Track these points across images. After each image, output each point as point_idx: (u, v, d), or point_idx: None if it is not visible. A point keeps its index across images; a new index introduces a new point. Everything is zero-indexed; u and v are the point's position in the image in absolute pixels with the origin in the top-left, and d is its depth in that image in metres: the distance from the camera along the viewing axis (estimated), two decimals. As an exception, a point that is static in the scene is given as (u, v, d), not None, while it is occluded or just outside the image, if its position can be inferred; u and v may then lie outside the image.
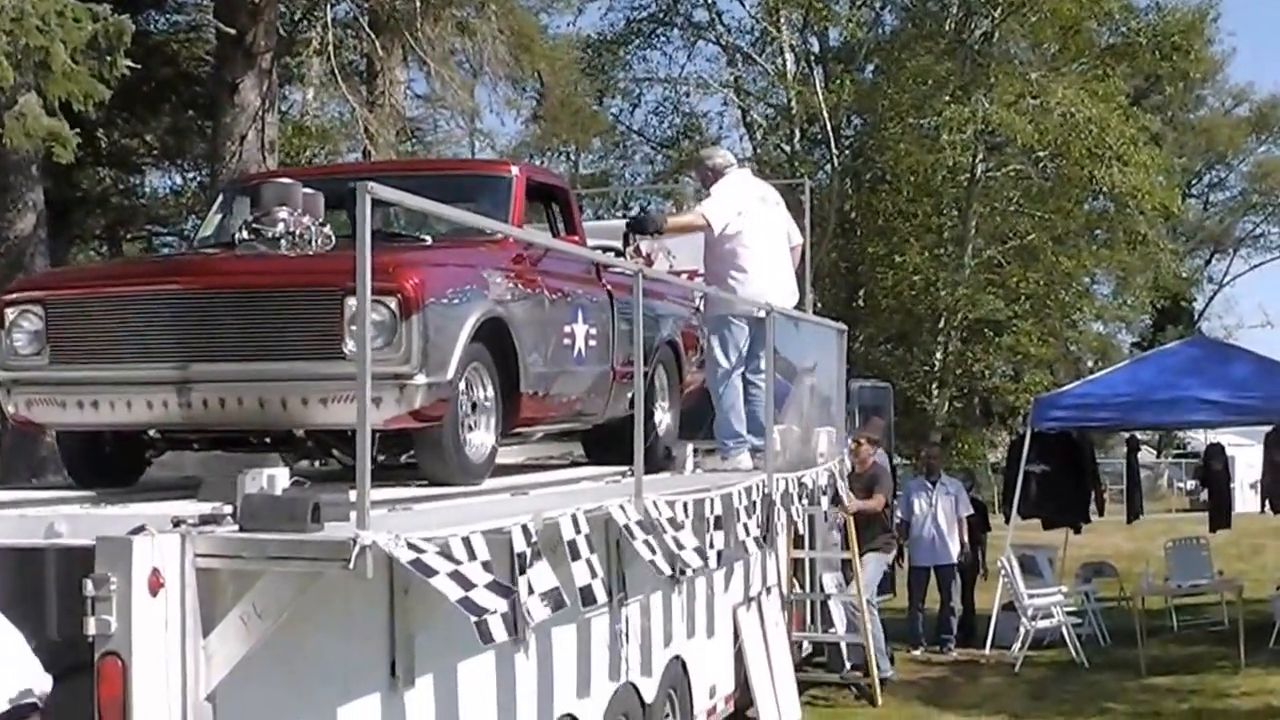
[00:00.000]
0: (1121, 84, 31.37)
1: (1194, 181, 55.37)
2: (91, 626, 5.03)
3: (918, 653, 16.76)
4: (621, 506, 7.63)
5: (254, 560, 5.28)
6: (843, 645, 14.51)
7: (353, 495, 5.41)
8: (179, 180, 25.90)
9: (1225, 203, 60.02)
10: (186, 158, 23.55)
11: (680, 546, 8.23)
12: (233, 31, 17.61)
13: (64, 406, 7.78)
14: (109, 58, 14.11)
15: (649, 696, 9.63)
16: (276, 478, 5.75)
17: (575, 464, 11.04)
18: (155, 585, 5.12)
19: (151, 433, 8.03)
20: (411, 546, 5.32)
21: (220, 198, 9.98)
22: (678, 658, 10.28)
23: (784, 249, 11.19)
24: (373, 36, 19.63)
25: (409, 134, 21.72)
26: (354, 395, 6.97)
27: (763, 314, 10.58)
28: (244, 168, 17.75)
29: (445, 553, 5.47)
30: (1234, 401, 16.02)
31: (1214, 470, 19.76)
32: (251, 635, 5.29)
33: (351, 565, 5.10)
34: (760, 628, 12.16)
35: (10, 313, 7.83)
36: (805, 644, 14.60)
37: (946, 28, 32.59)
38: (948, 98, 30.20)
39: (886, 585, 16.45)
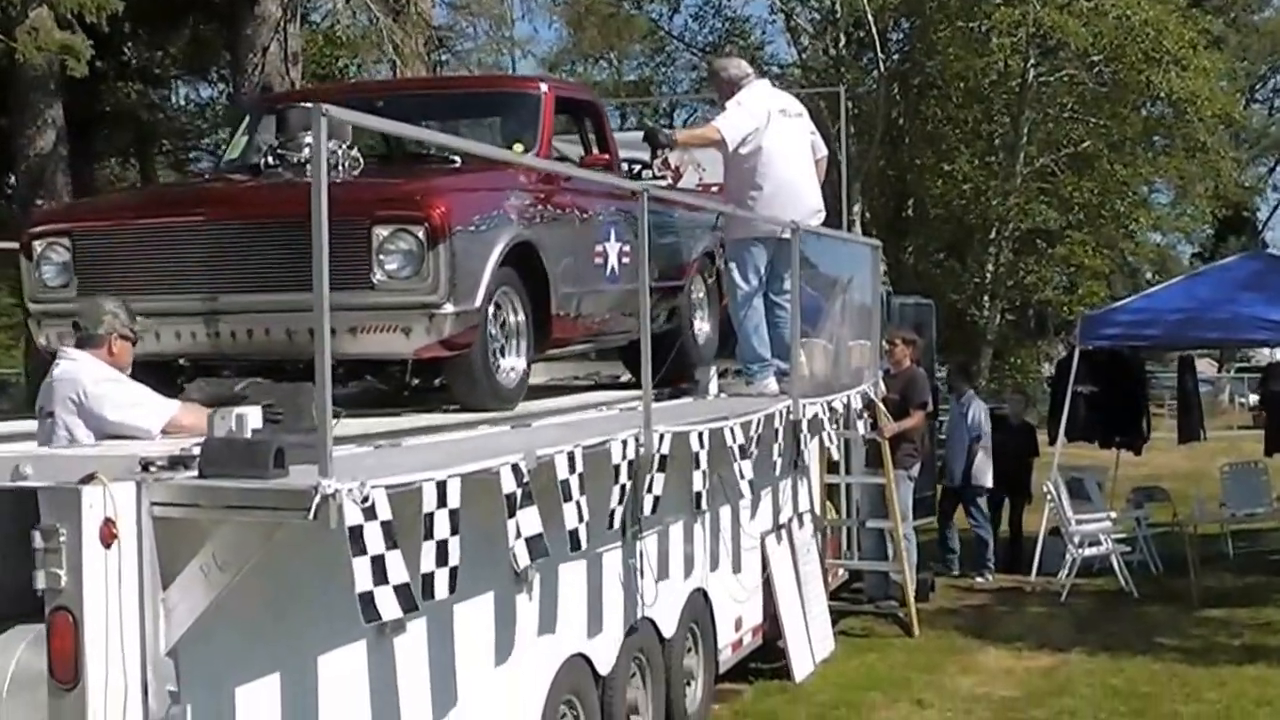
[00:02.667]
0: (1179, -16, 30.38)
1: (1258, 86, 53.91)
2: (40, 580, 4.73)
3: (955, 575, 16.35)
4: (624, 442, 7.22)
5: (212, 509, 4.91)
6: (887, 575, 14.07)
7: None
8: (203, 94, 25.60)
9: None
10: (210, 70, 23.22)
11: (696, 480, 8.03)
12: (251, -60, 17.21)
13: None
14: (121, -31, 13.86)
15: (668, 631, 9.32)
16: (247, 418, 5.35)
17: (598, 386, 10.74)
18: (108, 536, 4.78)
19: (182, 361, 8.01)
20: (365, 509, 4.87)
21: (246, 118, 9.91)
22: (700, 590, 9.97)
23: (807, 163, 10.70)
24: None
25: (437, 44, 21.14)
26: (384, 326, 7.26)
27: (786, 234, 10.14)
28: (266, 80, 17.42)
29: (388, 530, 4.98)
30: (1299, 320, 15.38)
31: (1273, 391, 19.08)
32: (213, 587, 4.93)
33: (313, 515, 4.70)
34: (791, 557, 11.79)
35: (38, 245, 7.94)
36: (841, 572, 14.23)
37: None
38: (998, 0, 29.34)
39: (929, 505, 16.04)
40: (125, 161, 24.95)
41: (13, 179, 19.92)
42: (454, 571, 5.43)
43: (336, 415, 5.08)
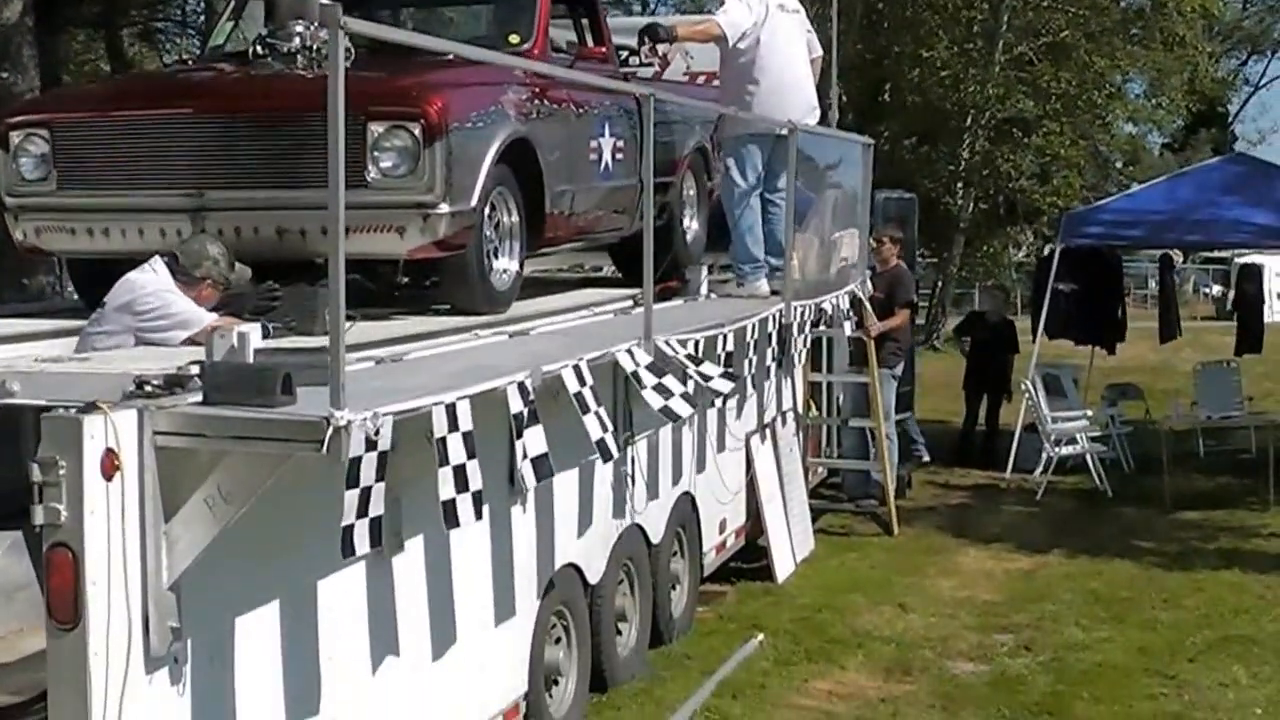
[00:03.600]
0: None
1: (1234, -21, 53.65)
2: (39, 515, 4.51)
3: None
4: (629, 352, 7.08)
5: (218, 439, 4.71)
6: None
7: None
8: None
9: (1265, 1, 58.28)
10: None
11: (704, 377, 7.91)
12: None
13: (73, 234, 7.66)
14: None
15: (655, 537, 9.27)
16: (249, 337, 5.14)
17: (588, 281, 10.61)
18: (110, 468, 4.57)
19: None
20: (369, 443, 4.71)
21: (233, 2, 9.50)
22: (687, 494, 9.89)
23: (803, 60, 10.60)
24: None
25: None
26: (378, 226, 7.05)
27: (783, 131, 9.97)
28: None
29: (382, 461, 4.83)
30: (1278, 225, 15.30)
31: (1246, 293, 19.06)
32: (218, 520, 4.75)
33: (325, 449, 4.53)
34: (774, 456, 11.70)
35: (15, 136, 7.63)
36: (820, 469, 14.19)
37: None
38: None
39: (908, 400, 15.98)
40: (93, 34, 24.38)
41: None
42: (478, 496, 5.31)
43: (350, 319, 4.87)
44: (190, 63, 9.88)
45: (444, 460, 5.19)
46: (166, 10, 25.07)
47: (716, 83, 11.12)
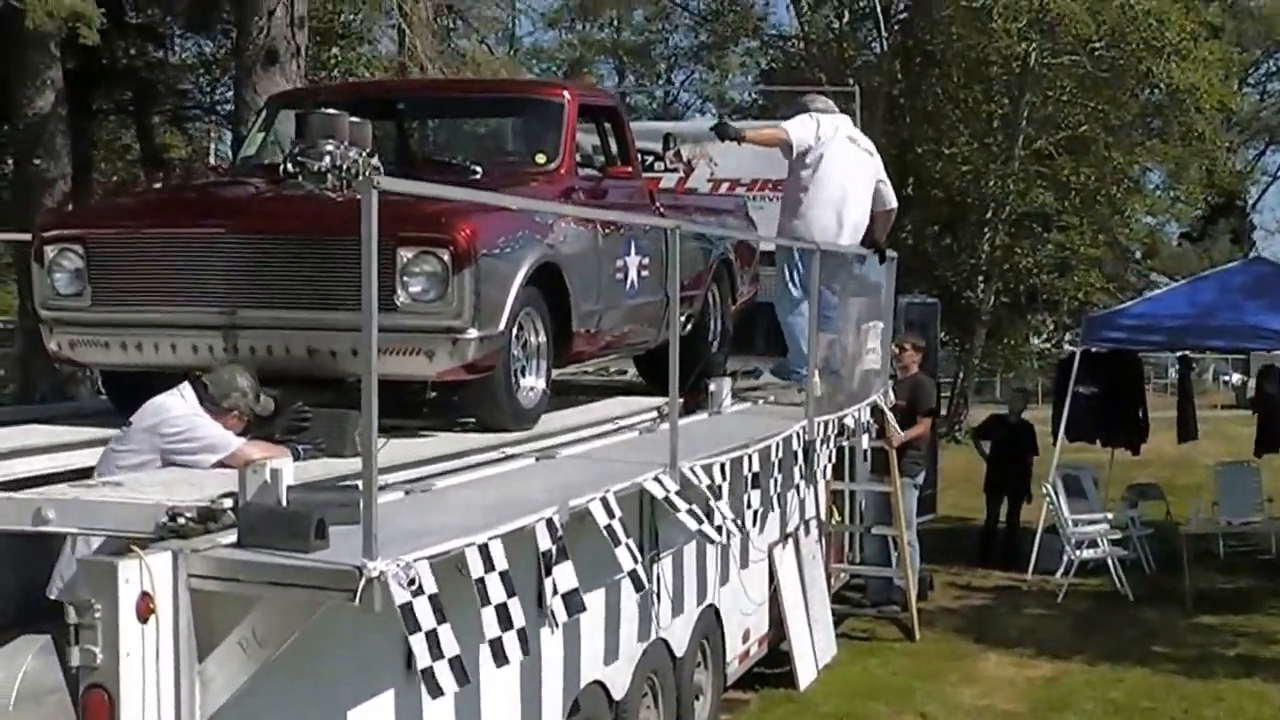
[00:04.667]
0: (1181, -27, 30.11)
1: (1251, 71, 53.78)
2: (75, 657, 4.56)
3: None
4: (657, 479, 7.10)
5: (252, 584, 4.76)
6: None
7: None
8: (204, 49, 25.17)
9: (1282, 93, 58.42)
10: (212, 27, 22.82)
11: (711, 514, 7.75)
12: (259, -101, 16.85)
13: (106, 347, 7.72)
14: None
15: (680, 650, 9.24)
16: (281, 474, 5.19)
17: (611, 387, 10.67)
18: (145, 611, 4.62)
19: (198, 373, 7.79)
20: (414, 585, 4.74)
21: (264, 113, 9.72)
22: (711, 606, 9.88)
23: (864, 193, 10.89)
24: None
25: (446, 10, 20.85)
26: (407, 349, 7.11)
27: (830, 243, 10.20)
28: (271, 44, 17.08)
29: (436, 604, 4.85)
30: (1304, 332, 15.34)
31: (1266, 392, 19.04)
32: (252, 661, 4.79)
33: (357, 600, 4.57)
34: (797, 564, 11.71)
35: (50, 250, 7.70)
36: (843, 574, 14.19)
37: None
38: (1002, -21, 29.12)
39: (929, 504, 16.01)
40: (124, 119, 24.63)
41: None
42: (522, 632, 5.32)
43: (383, 432, 4.91)
44: (222, 171, 9.97)
45: (485, 600, 5.20)
46: (195, 98, 25.33)
47: (740, 190, 11.26)
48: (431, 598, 4.80)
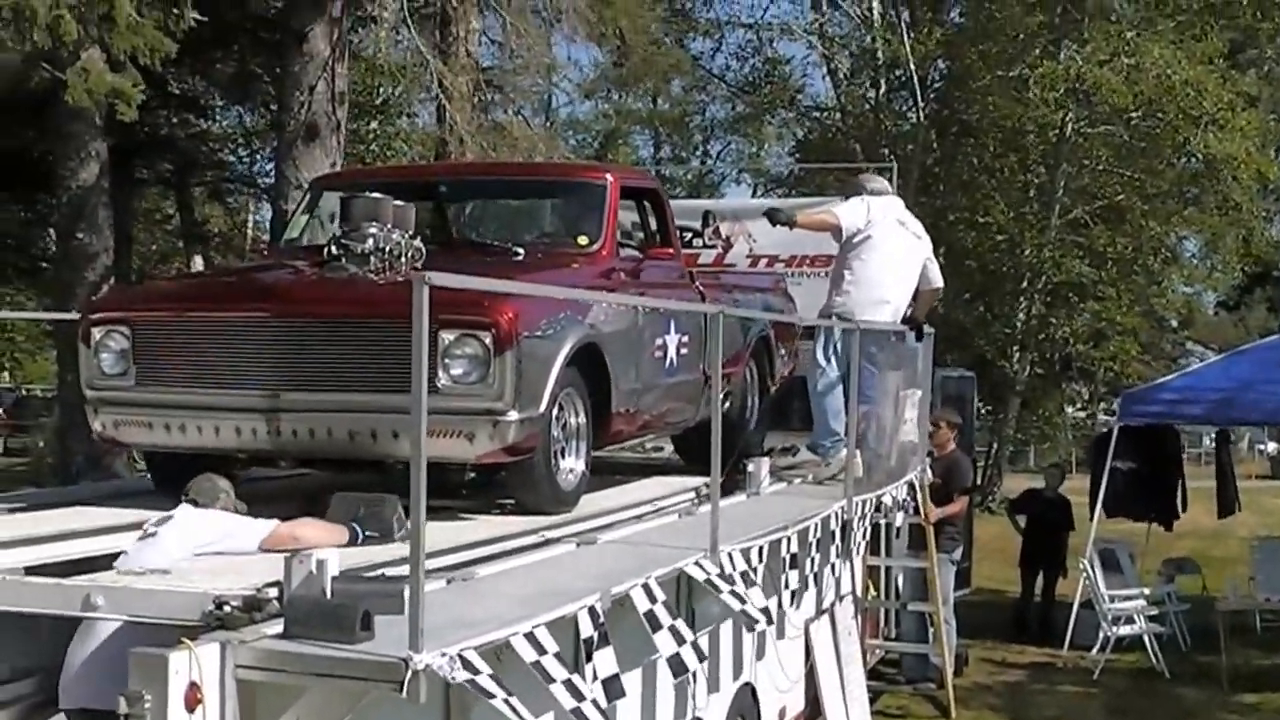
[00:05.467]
0: (1219, 44, 30.12)
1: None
2: (125, 747, 4.61)
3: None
4: (698, 564, 7.13)
5: (298, 675, 4.82)
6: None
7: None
8: (245, 120, 25.45)
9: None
10: (253, 99, 23.08)
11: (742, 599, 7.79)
12: (302, -23, 17.12)
13: (150, 428, 7.78)
14: (175, 10, 13.77)
15: (716, 730, 9.18)
16: (326, 565, 5.25)
17: (647, 465, 10.70)
18: (193, 700, 4.68)
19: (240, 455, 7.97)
20: (466, 665, 4.82)
21: (307, 196, 9.87)
22: (747, 684, 9.81)
23: (910, 277, 11.00)
24: (446, -15, 19.01)
25: (484, 85, 21.04)
26: (448, 431, 7.14)
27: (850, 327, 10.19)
28: (312, 119, 17.31)
29: (497, 677, 4.94)
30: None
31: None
32: (296, 750, 4.84)
33: (404, 691, 4.63)
34: (833, 639, 11.66)
35: (96, 332, 7.82)
36: (878, 649, 14.15)
37: (1038, -25, 31.54)
38: (1038, 52, 29.22)
39: (965, 577, 15.97)
40: (165, 190, 24.91)
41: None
42: (595, 703, 5.41)
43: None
44: (265, 252, 10.09)
45: (549, 679, 5.27)
46: (235, 170, 25.61)
47: (779, 266, 11.34)
48: (491, 676, 4.89)
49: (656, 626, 6.47)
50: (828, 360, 10.56)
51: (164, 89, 20.19)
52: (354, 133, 20.98)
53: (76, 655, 5.82)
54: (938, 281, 11.43)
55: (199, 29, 14.20)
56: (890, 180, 15.34)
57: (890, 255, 10.75)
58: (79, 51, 13.69)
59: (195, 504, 6.55)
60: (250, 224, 29.22)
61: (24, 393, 46.81)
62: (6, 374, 47.54)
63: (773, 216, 10.77)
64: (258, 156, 25.61)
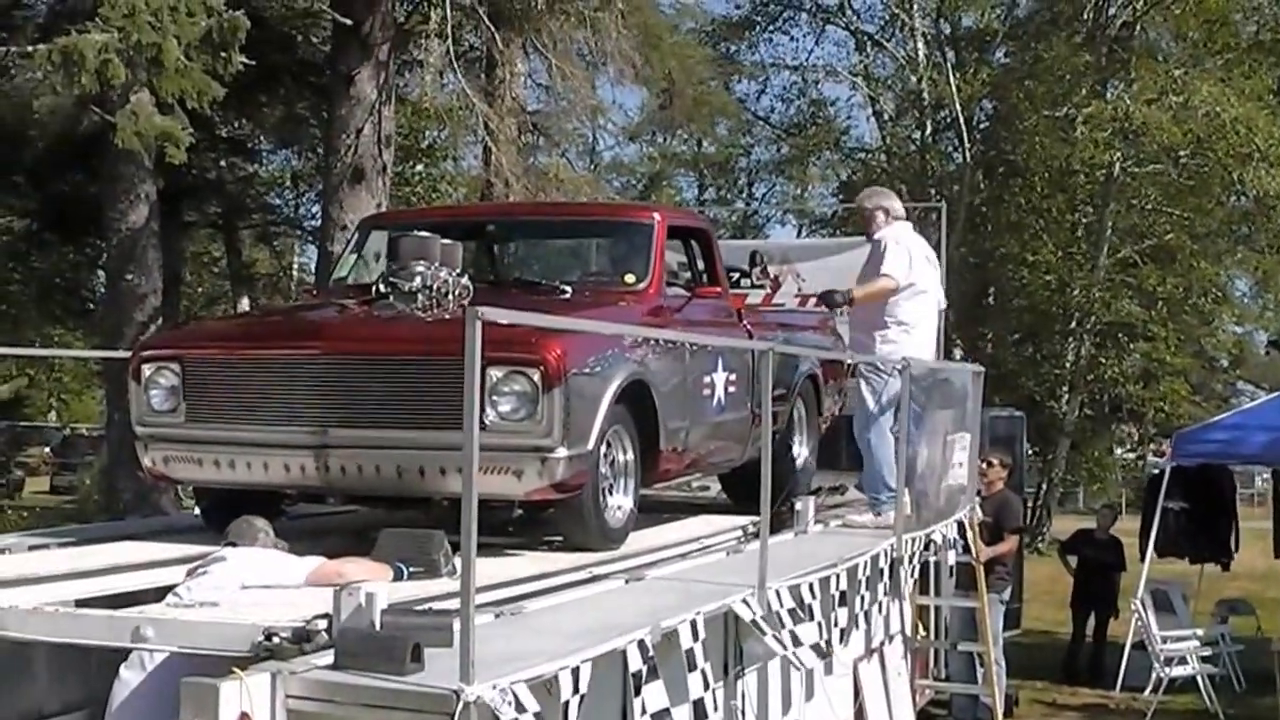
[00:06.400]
0: (1269, 80, 30.00)
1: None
2: (177, 775, 4.60)
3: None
4: (745, 602, 7.09)
5: (349, 706, 4.81)
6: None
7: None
8: (292, 163, 25.65)
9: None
10: (301, 143, 23.26)
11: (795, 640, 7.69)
12: (349, 22, 17.22)
13: (200, 464, 7.80)
14: (223, 54, 13.86)
15: (765, 770, 9.11)
16: (376, 598, 5.25)
17: (696, 505, 10.65)
18: (244, 730, 4.69)
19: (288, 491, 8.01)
20: (518, 705, 4.79)
21: (355, 236, 9.91)
22: (795, 724, 9.77)
23: (937, 310, 10.86)
24: (492, 29, 19.07)
25: (530, 128, 21.16)
26: (495, 468, 7.10)
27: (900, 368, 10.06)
28: (359, 162, 17.43)
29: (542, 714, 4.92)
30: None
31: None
32: (348, 779, 4.82)
33: (455, 723, 4.61)
34: (882, 679, 11.55)
35: (147, 369, 7.85)
36: (926, 690, 14.02)
37: (1084, 16, 31.54)
38: (1085, 91, 29.16)
39: (1015, 618, 15.85)
40: (213, 233, 25.11)
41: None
42: None
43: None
44: (315, 293, 10.13)
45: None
46: (282, 213, 25.80)
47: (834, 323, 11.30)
48: (536, 715, 4.85)
49: (692, 666, 6.43)
50: (881, 408, 10.28)
51: (212, 132, 20.33)
52: (399, 175, 21.12)
53: (124, 688, 5.82)
54: (943, 301, 11.18)
55: (246, 72, 14.29)
56: (939, 220, 15.36)
57: (931, 295, 10.60)
58: (128, 95, 13.80)
59: (234, 545, 6.56)
60: (296, 266, 29.42)
61: (70, 432, 47.14)
62: (54, 413, 47.86)
63: (829, 300, 10.44)
64: (304, 200, 25.86)
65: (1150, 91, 28.79)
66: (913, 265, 10.38)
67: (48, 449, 45.47)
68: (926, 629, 13.96)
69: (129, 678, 5.84)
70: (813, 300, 12.16)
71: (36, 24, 18.07)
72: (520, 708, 4.77)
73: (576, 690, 5.30)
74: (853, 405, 10.79)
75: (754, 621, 7.09)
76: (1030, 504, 28.78)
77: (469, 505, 4.76)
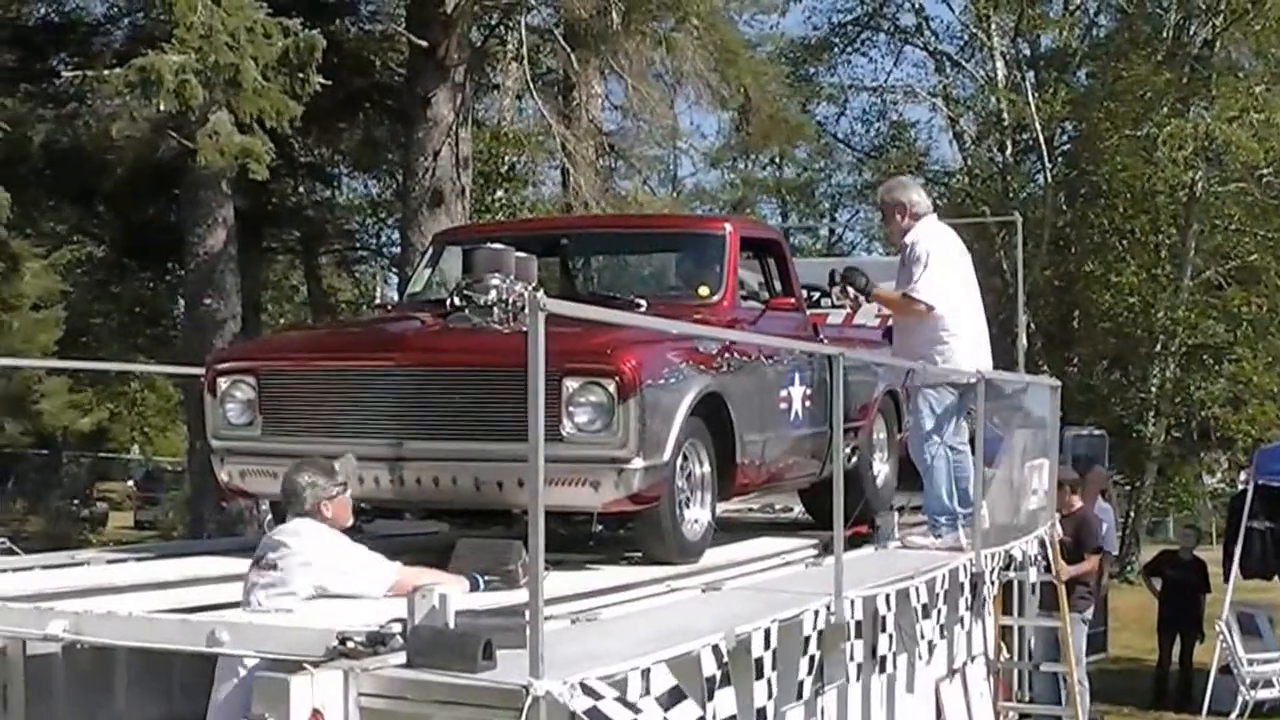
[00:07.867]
0: (1352, 96, 29.56)
1: None
2: (248, 769, 4.62)
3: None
4: (816, 612, 7.02)
5: (419, 702, 4.81)
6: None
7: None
8: (372, 189, 25.82)
9: None
10: (379, 168, 23.40)
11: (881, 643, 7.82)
12: (425, 44, 17.35)
13: (276, 477, 7.60)
14: (300, 74, 14.02)
15: (843, 789, 9.00)
16: (449, 600, 5.23)
17: (776, 524, 10.59)
18: (315, 725, 4.69)
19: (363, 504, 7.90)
20: (587, 691, 4.77)
21: (430, 251, 9.99)
22: (874, 743, 9.65)
23: (980, 301, 10.10)
24: (568, 50, 19.13)
25: (607, 149, 21.20)
26: (573, 480, 7.17)
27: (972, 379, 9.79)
28: (437, 184, 17.50)
29: (623, 699, 4.91)
30: None
31: None
32: (421, 776, 4.81)
33: (524, 717, 4.58)
34: (965, 701, 11.41)
35: (223, 382, 7.95)
36: (1011, 714, 13.83)
37: (1164, 34, 31.26)
38: (1166, 110, 28.87)
39: (1100, 642, 15.66)
40: (292, 260, 25.29)
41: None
42: None
43: (548, 565, 4.92)
44: (390, 309, 10.16)
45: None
46: (361, 239, 25.95)
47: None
48: (617, 698, 4.84)
49: (760, 674, 6.37)
50: (939, 429, 9.70)
51: (291, 158, 20.49)
52: (479, 200, 21.18)
53: (217, 698, 5.84)
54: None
55: (324, 96, 14.41)
56: (1016, 236, 15.16)
57: (971, 301, 9.88)
58: (206, 116, 13.93)
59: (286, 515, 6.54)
60: (378, 294, 29.60)
61: (153, 466, 47.59)
62: (136, 448, 48.34)
63: (850, 278, 9.77)
64: (384, 226, 25.97)
65: (1231, 110, 28.43)
66: (948, 278, 9.62)
67: (131, 483, 45.86)
68: (1010, 651, 13.79)
69: (223, 687, 5.86)
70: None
71: (114, 50, 18.32)
72: (595, 695, 4.74)
73: (648, 692, 5.26)
74: (911, 432, 10.31)
75: (830, 630, 7.03)
76: (1118, 533, 28.34)
77: (535, 491, 4.71)
